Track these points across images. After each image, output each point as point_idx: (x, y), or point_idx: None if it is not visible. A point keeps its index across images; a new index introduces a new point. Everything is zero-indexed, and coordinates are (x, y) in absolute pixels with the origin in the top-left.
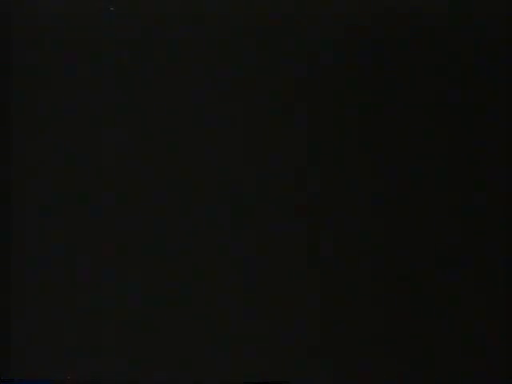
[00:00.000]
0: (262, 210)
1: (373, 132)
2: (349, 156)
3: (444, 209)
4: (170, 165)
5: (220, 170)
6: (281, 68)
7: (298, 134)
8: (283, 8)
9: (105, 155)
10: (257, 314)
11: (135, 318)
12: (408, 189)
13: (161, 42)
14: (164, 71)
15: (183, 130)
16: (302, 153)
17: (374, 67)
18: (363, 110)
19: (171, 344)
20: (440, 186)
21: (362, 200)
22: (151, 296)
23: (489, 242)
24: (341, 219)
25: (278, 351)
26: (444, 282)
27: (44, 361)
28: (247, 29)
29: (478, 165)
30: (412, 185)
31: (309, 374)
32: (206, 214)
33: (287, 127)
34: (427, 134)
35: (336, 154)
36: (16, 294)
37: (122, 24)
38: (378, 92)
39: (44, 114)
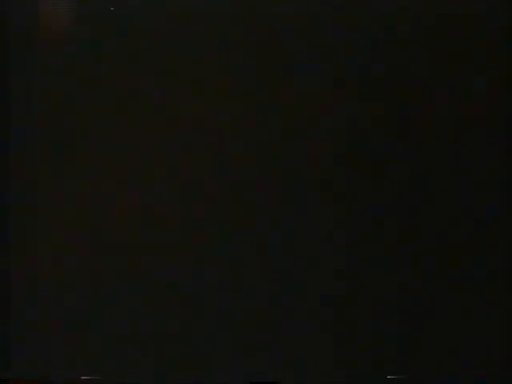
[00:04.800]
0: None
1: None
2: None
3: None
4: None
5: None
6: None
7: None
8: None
9: (105, 156)
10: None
11: (136, 317)
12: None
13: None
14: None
15: (185, 130)
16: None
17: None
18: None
19: (173, 344)
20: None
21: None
22: (152, 296)
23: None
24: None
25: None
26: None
27: (44, 361)
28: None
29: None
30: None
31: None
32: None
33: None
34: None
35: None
36: (16, 294)
37: (123, 24)
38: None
39: (43, 114)
